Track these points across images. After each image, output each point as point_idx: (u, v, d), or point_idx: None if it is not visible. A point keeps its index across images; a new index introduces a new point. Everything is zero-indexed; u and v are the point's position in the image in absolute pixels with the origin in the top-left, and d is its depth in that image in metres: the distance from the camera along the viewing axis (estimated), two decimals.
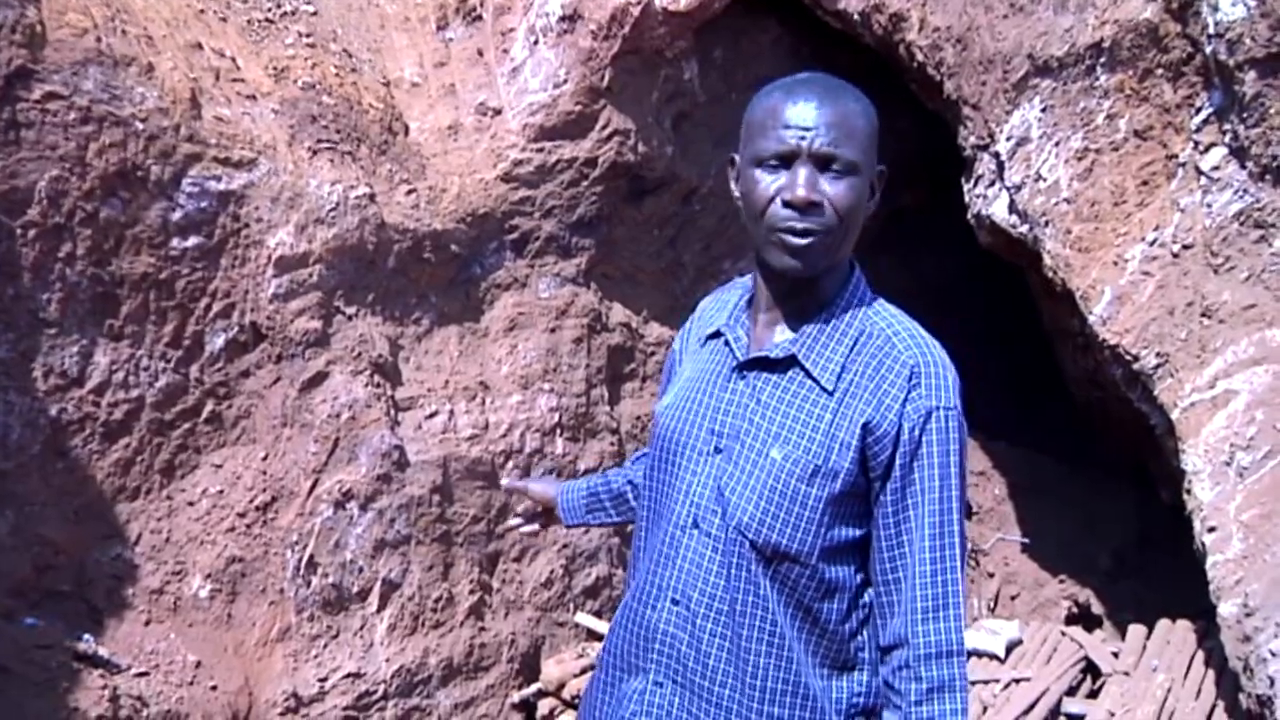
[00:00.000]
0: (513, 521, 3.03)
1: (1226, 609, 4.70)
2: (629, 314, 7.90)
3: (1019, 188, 5.96)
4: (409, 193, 6.39)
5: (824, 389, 2.00)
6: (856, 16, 7.40)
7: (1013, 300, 9.86)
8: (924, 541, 1.95)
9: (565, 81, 6.81)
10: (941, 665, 1.96)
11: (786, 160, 2.01)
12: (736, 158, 2.17)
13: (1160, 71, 5.55)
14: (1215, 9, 5.20)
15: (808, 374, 2.00)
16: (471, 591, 6.66)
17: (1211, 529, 4.89)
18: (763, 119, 2.06)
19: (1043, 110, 5.94)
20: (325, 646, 5.98)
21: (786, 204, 1.99)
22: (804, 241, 1.98)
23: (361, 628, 6.14)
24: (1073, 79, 5.83)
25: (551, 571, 7.19)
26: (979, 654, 6.99)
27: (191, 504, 5.72)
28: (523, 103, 6.77)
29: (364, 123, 6.29)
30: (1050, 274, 5.97)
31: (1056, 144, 5.85)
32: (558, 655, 7.12)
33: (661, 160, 7.64)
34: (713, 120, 8.23)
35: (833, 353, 2.00)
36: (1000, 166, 6.12)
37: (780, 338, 2.07)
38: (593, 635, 7.32)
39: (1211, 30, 5.25)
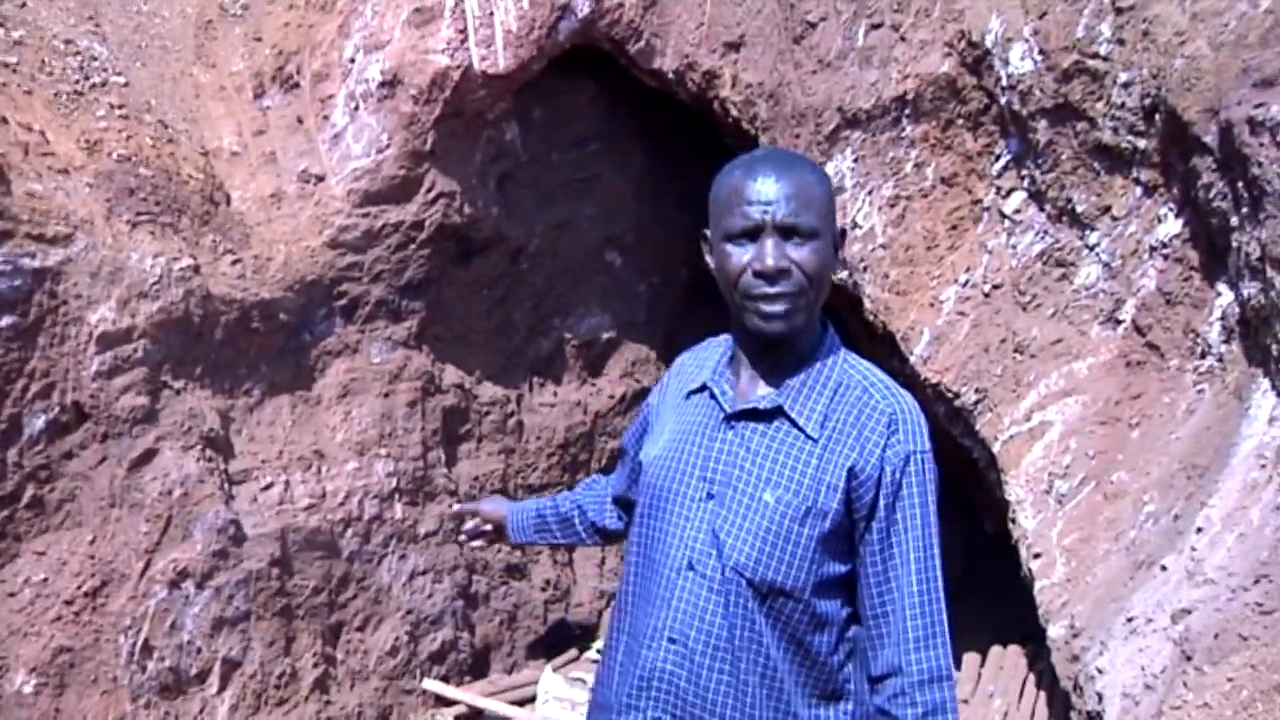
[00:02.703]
0: (464, 536, 3.13)
1: (1055, 631, 4.98)
2: (462, 374, 7.91)
3: None
4: (234, 263, 6.30)
5: (809, 436, 2.18)
6: (671, 75, 7.64)
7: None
8: (910, 575, 2.15)
9: (388, 146, 6.83)
10: (934, 690, 2.15)
11: (753, 234, 2.18)
12: (708, 234, 2.29)
13: (961, 122, 5.92)
14: (1006, 63, 5.59)
15: (793, 423, 2.17)
16: (315, 665, 6.53)
17: (1036, 555, 5.18)
18: (727, 197, 2.23)
19: (854, 160, 6.24)
20: None
21: (757, 274, 2.13)
22: (777, 307, 2.17)
23: (202, 711, 5.95)
24: (881, 130, 6.15)
25: (396, 639, 7.11)
26: None
27: (13, 594, 5.45)
28: (346, 168, 6.76)
29: (184, 193, 6.18)
30: (871, 317, 6.26)
31: (869, 192, 6.16)
32: None
33: (488, 220, 7.71)
34: (536, 179, 8.34)
35: (815, 403, 2.16)
36: None
37: (764, 390, 2.22)
38: (441, 701, 7.26)
39: (1004, 83, 5.63)
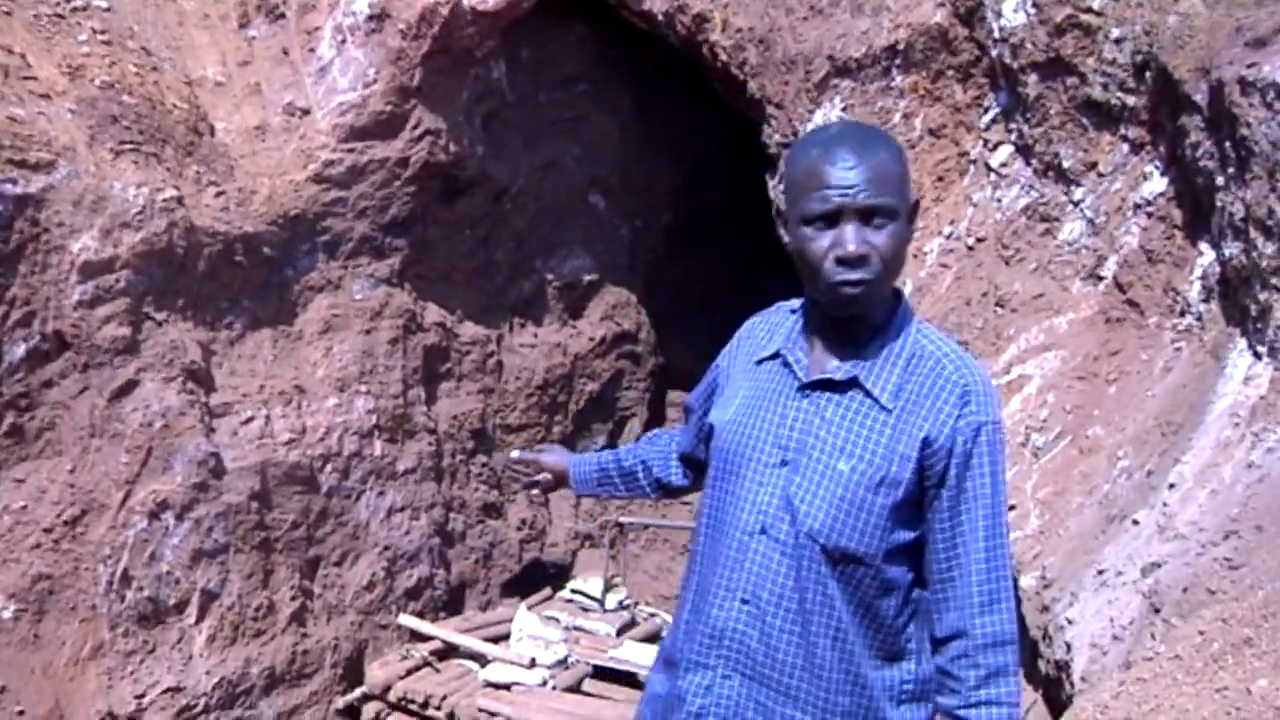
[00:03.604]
0: (521, 485, 3.14)
1: (1026, 582, 5.05)
2: (444, 314, 7.90)
3: None
4: (218, 195, 6.26)
5: (883, 407, 2.17)
6: (661, 17, 7.57)
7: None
8: (978, 542, 2.16)
9: (375, 81, 6.78)
10: (997, 653, 2.16)
11: (832, 218, 2.12)
12: (782, 210, 2.28)
13: (951, 73, 5.91)
14: (999, 15, 5.58)
15: (868, 394, 2.17)
16: (293, 598, 6.57)
17: (1011, 507, 5.24)
18: (805, 179, 2.17)
19: (843, 109, 6.24)
20: (142, 662, 5.81)
21: (839, 260, 2.12)
22: (857, 291, 2.13)
23: (180, 640, 5.98)
24: (870, 79, 6.14)
25: (373, 575, 7.15)
26: None
27: None
28: (332, 102, 6.70)
29: (168, 123, 6.12)
30: None
31: None
32: (382, 658, 7.08)
33: (473, 160, 7.67)
34: (522, 120, 8.30)
35: (889, 374, 2.17)
36: None
37: (838, 361, 2.22)
38: (416, 636, 7.31)
39: (997, 35, 5.62)
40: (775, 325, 2.40)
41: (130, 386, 5.82)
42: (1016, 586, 5.18)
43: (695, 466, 2.69)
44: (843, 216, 2.10)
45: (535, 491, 3.08)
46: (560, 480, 3.02)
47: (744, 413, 2.32)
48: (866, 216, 2.10)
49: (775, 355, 2.34)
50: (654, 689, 2.44)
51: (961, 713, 2.17)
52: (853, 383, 2.20)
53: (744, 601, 2.24)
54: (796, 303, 2.42)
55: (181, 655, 5.97)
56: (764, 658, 2.23)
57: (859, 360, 2.21)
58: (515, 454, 3.18)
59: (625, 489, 2.93)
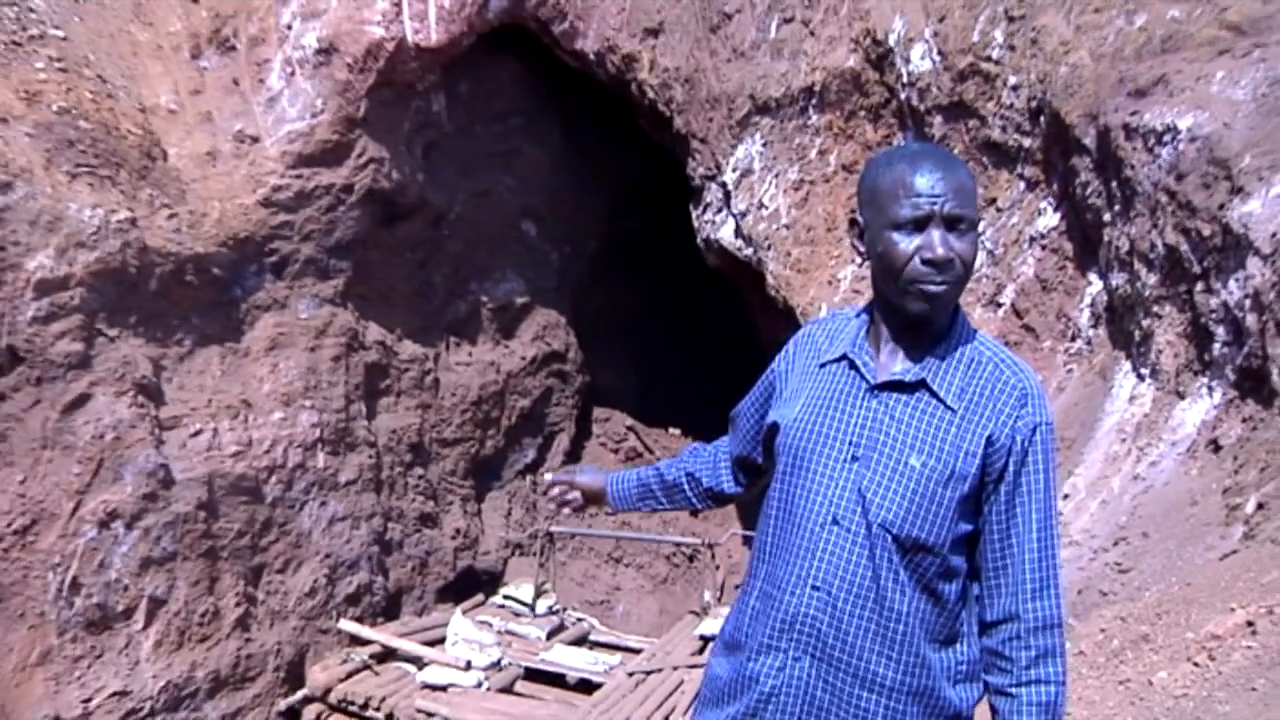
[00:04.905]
0: (554, 505, 3.03)
1: None
2: (384, 332, 7.79)
3: (744, 214, 6.27)
4: (170, 217, 6.10)
5: (949, 407, 2.20)
6: (592, 56, 7.57)
7: (725, 316, 10.33)
8: (1031, 532, 2.19)
9: (322, 111, 6.67)
10: (1047, 636, 2.19)
11: (920, 224, 2.16)
12: (860, 220, 2.29)
13: (863, 113, 5.99)
14: (908, 61, 5.66)
15: (934, 395, 2.21)
16: (237, 604, 6.40)
17: None
18: (892, 189, 2.20)
19: (763, 145, 6.28)
20: (89, 667, 5.61)
21: (926, 261, 2.15)
22: (939, 290, 2.16)
23: (127, 646, 5.79)
24: (789, 118, 6.20)
25: (315, 581, 7.00)
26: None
27: None
28: (281, 130, 6.58)
29: (123, 148, 5.96)
30: (773, 292, 6.32)
31: (776, 175, 6.21)
32: (323, 661, 6.93)
33: (413, 187, 7.59)
34: (459, 150, 8.23)
35: (953, 377, 2.21)
36: (727, 195, 6.42)
37: (905, 364, 2.25)
38: (355, 641, 7.17)
39: (905, 80, 5.71)
40: (835, 332, 2.42)
41: (82, 400, 5.64)
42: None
43: (748, 471, 2.72)
44: (930, 222, 2.16)
45: (565, 511, 3.02)
46: (592, 499, 2.97)
47: (810, 412, 2.35)
48: (950, 224, 2.16)
49: (841, 358, 2.36)
50: (715, 671, 2.45)
51: (1013, 690, 2.20)
52: (920, 384, 2.24)
53: (815, 588, 2.27)
54: (852, 311, 2.46)
55: (129, 660, 5.78)
56: (834, 640, 2.26)
57: (925, 363, 2.25)
58: (549, 475, 3.12)
59: (668, 502, 2.91)
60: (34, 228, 5.39)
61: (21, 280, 5.37)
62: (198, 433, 6.21)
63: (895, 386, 2.26)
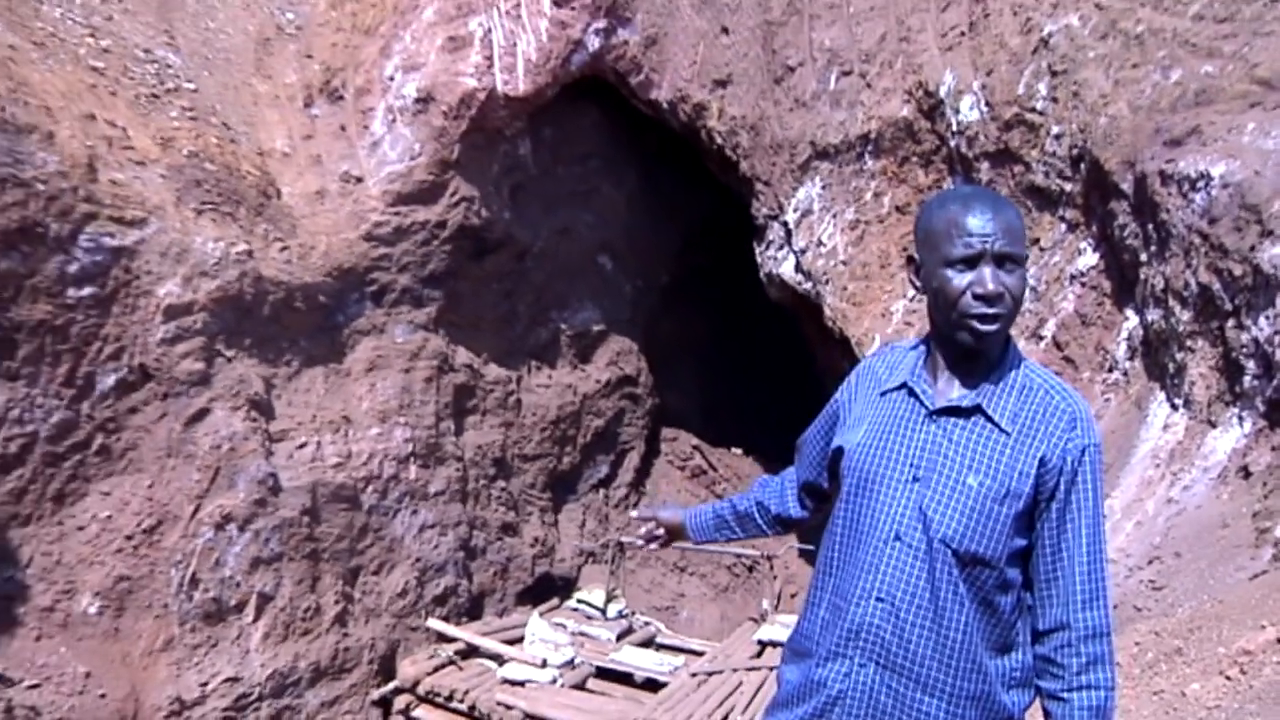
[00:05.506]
0: (641, 541, 3.15)
1: None
2: (471, 356, 8.13)
3: (804, 251, 6.48)
4: (282, 250, 6.51)
5: (1003, 430, 2.24)
6: (665, 105, 7.84)
7: (785, 345, 10.47)
8: (1082, 546, 2.23)
9: (420, 154, 7.05)
10: (1097, 643, 2.23)
11: (972, 262, 2.21)
12: (916, 258, 2.32)
13: (915, 159, 6.18)
14: (957, 111, 5.85)
15: (989, 419, 2.26)
16: (336, 602, 6.75)
17: None
18: (945, 229, 2.25)
19: (822, 188, 6.51)
20: (206, 655, 5.98)
21: (978, 296, 2.19)
22: (990, 327, 2.20)
23: (238, 637, 6.16)
24: (846, 163, 6.41)
25: (406, 583, 7.33)
26: (774, 644, 7.47)
27: (81, 528, 5.65)
28: (382, 172, 6.97)
29: (242, 187, 6.39)
30: (830, 323, 6.52)
31: (834, 216, 6.43)
32: (412, 656, 7.24)
33: (500, 224, 7.93)
34: (542, 190, 8.56)
35: (1006, 402, 2.27)
36: (788, 233, 6.62)
37: (961, 391, 2.31)
38: (442, 638, 7.46)
39: (954, 128, 5.90)
40: (894, 363, 2.46)
41: (202, 414, 6.04)
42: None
43: (814, 496, 2.75)
44: (982, 260, 2.19)
45: (652, 545, 3.03)
46: (674, 534, 3.01)
47: (874, 437, 2.39)
48: (1000, 262, 2.19)
49: (901, 386, 2.40)
50: (786, 677, 2.48)
51: (1065, 695, 2.23)
52: (976, 409, 2.27)
53: (879, 600, 2.30)
54: (909, 343, 2.49)
55: (240, 650, 6.14)
56: (897, 649, 2.29)
57: (980, 390, 2.29)
58: (634, 513, 3.20)
59: (742, 531, 2.93)
60: (164, 258, 5.83)
61: (153, 306, 5.80)
62: (303, 445, 6.59)
63: (952, 412, 2.29)
